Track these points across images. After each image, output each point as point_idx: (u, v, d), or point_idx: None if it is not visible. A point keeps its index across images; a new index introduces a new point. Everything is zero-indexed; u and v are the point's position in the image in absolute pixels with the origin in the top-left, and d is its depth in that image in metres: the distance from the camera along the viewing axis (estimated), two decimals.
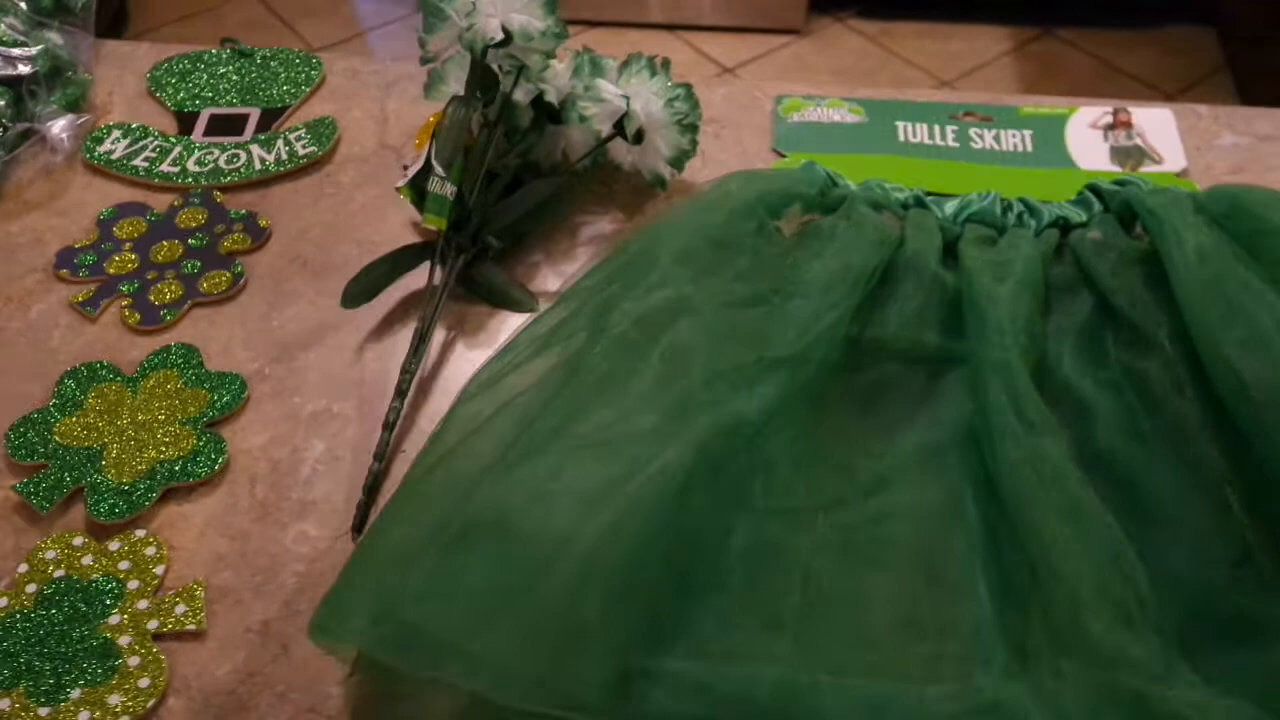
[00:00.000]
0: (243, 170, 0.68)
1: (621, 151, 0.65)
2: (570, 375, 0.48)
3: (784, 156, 0.69)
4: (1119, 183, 0.60)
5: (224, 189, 0.67)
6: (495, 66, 0.63)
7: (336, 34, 2.37)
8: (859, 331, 0.53)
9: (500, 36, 0.61)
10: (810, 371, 0.50)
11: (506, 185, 0.63)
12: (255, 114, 0.72)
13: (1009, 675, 0.41)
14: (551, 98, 0.64)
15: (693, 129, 0.64)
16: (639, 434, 0.44)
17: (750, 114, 0.72)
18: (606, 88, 0.63)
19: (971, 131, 0.70)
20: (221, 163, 0.69)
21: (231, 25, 2.36)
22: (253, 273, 0.63)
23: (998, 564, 0.45)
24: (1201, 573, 0.44)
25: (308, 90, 0.74)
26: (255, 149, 0.69)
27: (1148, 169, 0.67)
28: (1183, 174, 0.67)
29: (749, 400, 0.47)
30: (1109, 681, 0.39)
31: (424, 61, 0.63)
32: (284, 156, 0.69)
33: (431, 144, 0.60)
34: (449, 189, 0.59)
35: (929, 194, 0.62)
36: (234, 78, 0.75)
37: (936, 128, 0.70)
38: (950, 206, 0.60)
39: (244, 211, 0.66)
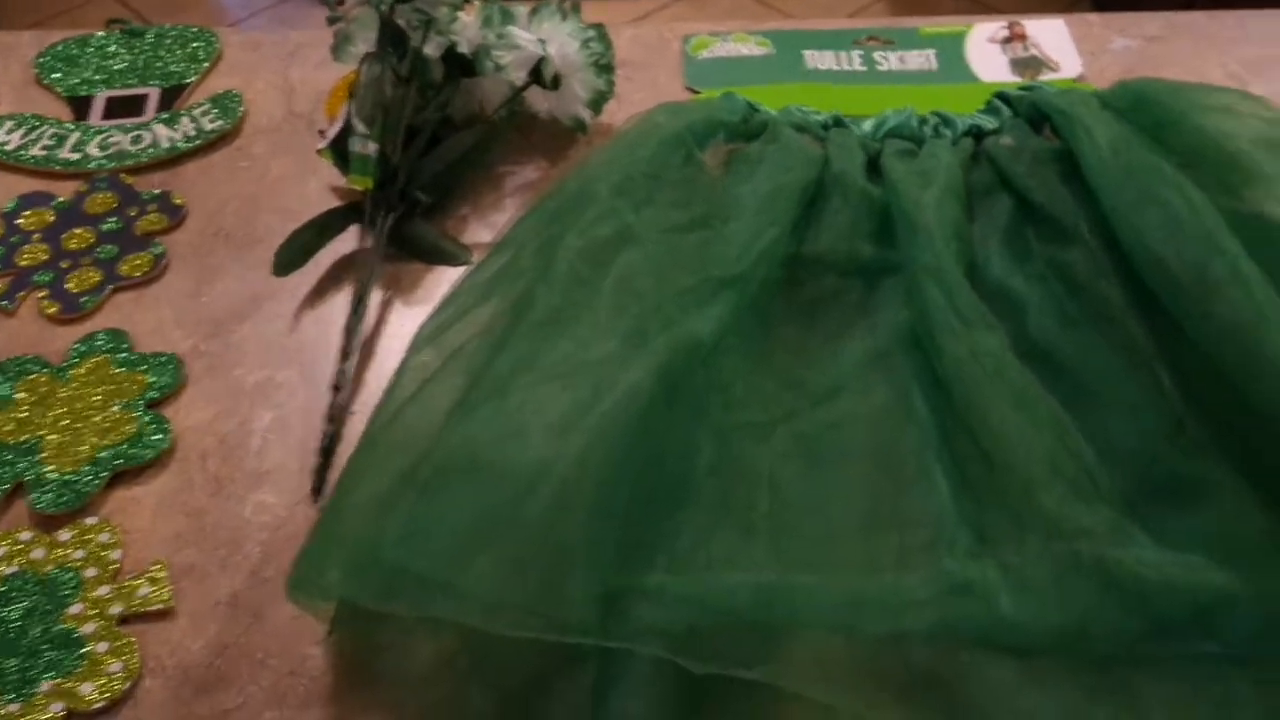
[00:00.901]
0: (150, 150, 0.66)
1: (538, 99, 0.65)
2: (522, 315, 0.48)
3: (698, 93, 0.70)
4: (1025, 89, 0.62)
5: (132, 171, 0.66)
6: (402, 22, 0.62)
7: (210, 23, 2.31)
8: (796, 249, 0.54)
9: None
10: (754, 290, 0.51)
11: (427, 140, 0.63)
12: (155, 93, 0.70)
13: (974, 557, 0.42)
14: (463, 49, 0.63)
15: (608, 69, 0.64)
16: (600, 361, 0.45)
17: (660, 54, 0.73)
18: (520, 34, 0.63)
19: (876, 55, 0.71)
20: (126, 145, 0.67)
21: (97, 18, 2.28)
22: (174, 252, 0.61)
23: (951, 455, 0.47)
24: (1140, 443, 0.46)
25: (206, 65, 0.72)
26: (160, 128, 0.67)
27: (1046, 77, 0.69)
28: (1079, 79, 0.69)
29: (701, 321, 0.48)
30: (1069, 551, 0.41)
31: (331, 21, 0.62)
32: (192, 133, 0.67)
33: (350, 104, 0.59)
34: (372, 148, 0.59)
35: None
36: (127, 58, 0.73)
37: (842, 54, 0.72)
38: (868, 124, 0.62)
39: (157, 191, 0.64)
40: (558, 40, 0.62)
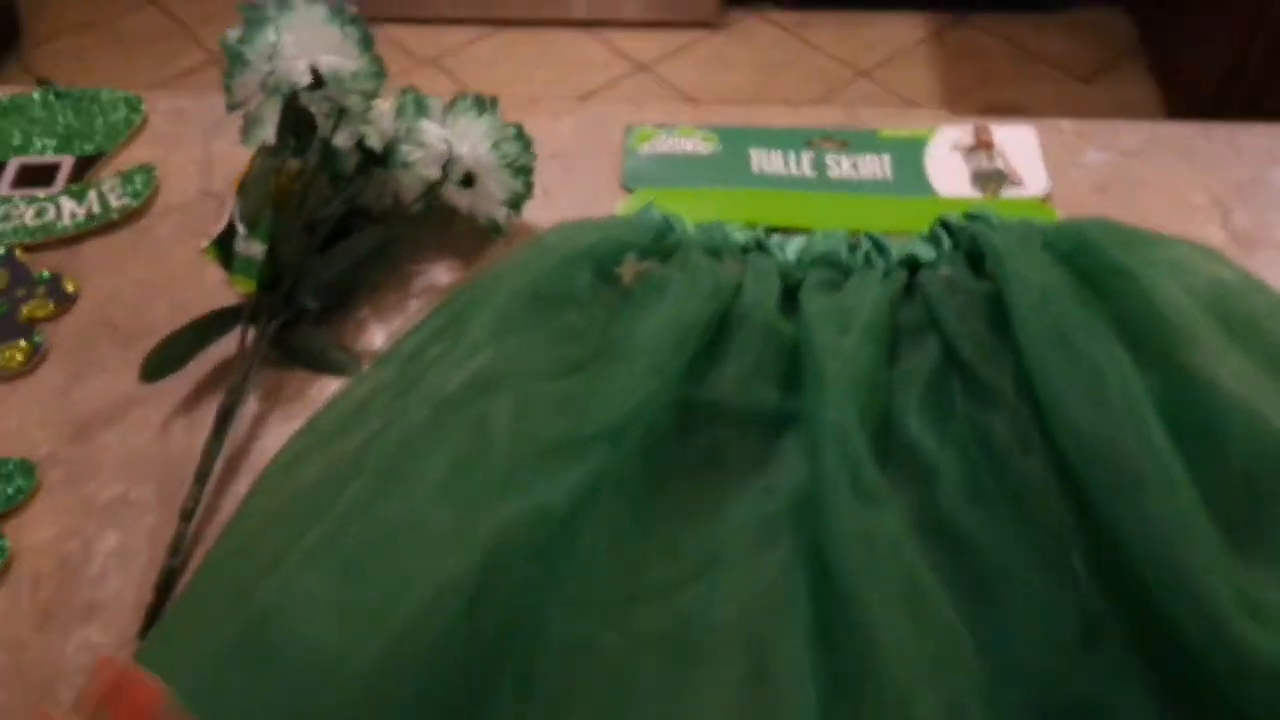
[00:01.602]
0: (50, 226, 0.63)
1: (456, 195, 0.61)
2: (362, 464, 0.44)
3: (632, 193, 0.65)
4: (970, 216, 0.58)
5: (29, 248, 0.63)
6: (313, 109, 0.59)
7: None
8: (691, 393, 0.50)
9: (308, 80, 0.57)
10: (633, 443, 0.47)
11: (331, 234, 0.59)
12: (68, 162, 0.67)
13: None
14: (374, 142, 0.60)
15: (525, 171, 0.60)
16: (427, 536, 0.41)
17: (599, 146, 0.68)
18: (430, 130, 0.59)
19: (828, 158, 0.67)
20: (28, 219, 0.64)
21: (130, 35, 2.28)
22: (55, 341, 0.58)
23: (828, 652, 0.42)
24: (1045, 657, 0.42)
25: (127, 134, 0.69)
26: (66, 202, 0.65)
27: (1010, 193, 0.64)
28: (1045, 197, 0.64)
29: (556, 487, 0.43)
30: None
31: (230, 108, 0.59)
32: (96, 210, 0.64)
33: (236, 199, 0.56)
34: (257, 248, 0.55)
35: (778, 231, 0.59)
36: (48, 123, 0.70)
37: (791, 155, 0.67)
38: (793, 247, 0.57)
39: (48, 274, 0.61)
40: (470, 138, 0.58)
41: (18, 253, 0.62)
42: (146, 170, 0.66)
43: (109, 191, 0.65)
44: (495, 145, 0.59)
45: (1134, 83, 2.10)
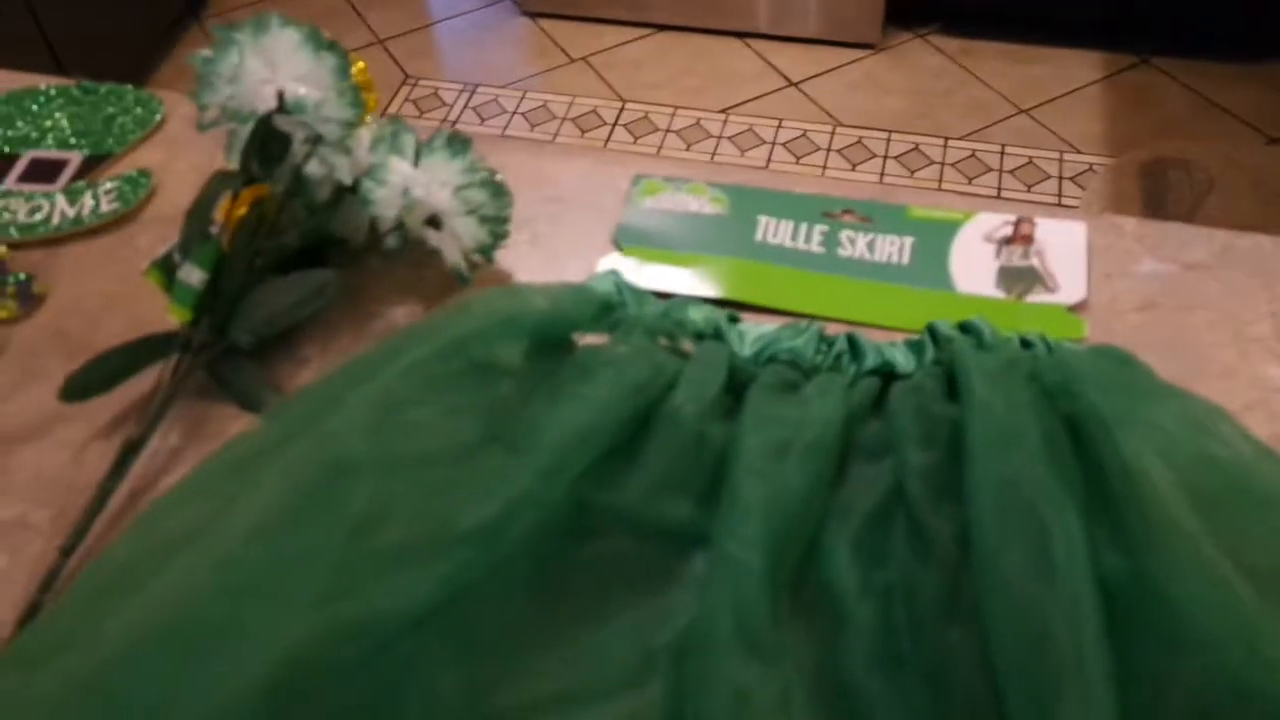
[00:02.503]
0: (41, 225, 0.63)
1: (434, 235, 0.58)
2: (199, 538, 0.41)
3: (622, 250, 0.61)
4: (962, 326, 0.51)
5: (15, 245, 0.63)
6: (288, 130, 0.56)
7: (406, 24, 2.34)
8: (592, 495, 0.45)
9: (273, 106, 0.54)
10: (509, 546, 0.42)
11: (295, 265, 0.57)
12: (76, 159, 0.67)
13: None
14: (343, 175, 0.57)
15: (494, 220, 0.56)
16: (232, 633, 0.37)
17: (600, 195, 0.64)
18: (397, 169, 0.56)
19: (843, 235, 0.60)
20: (21, 215, 0.64)
21: (305, 10, 2.35)
22: (9, 347, 0.58)
23: None
24: None
25: (138, 134, 0.69)
26: (61, 201, 0.64)
27: (1039, 297, 0.57)
28: (1078, 307, 0.56)
29: (397, 592, 0.39)
30: None
31: (201, 128, 0.57)
32: (85, 213, 0.63)
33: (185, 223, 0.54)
34: (196, 275, 0.53)
35: (761, 310, 0.54)
36: (66, 117, 0.70)
37: (804, 226, 0.61)
38: (754, 337, 0.51)
39: (23, 276, 0.60)
40: (436, 181, 0.55)
41: (1, 250, 0.62)
42: (143, 176, 0.65)
43: (104, 195, 0.64)
44: (460, 190, 0.55)
45: None
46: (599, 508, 0.45)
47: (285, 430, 0.45)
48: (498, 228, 0.56)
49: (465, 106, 2.09)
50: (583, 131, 2.01)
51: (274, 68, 0.54)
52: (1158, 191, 1.82)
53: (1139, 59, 2.10)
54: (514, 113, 2.06)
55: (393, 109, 2.09)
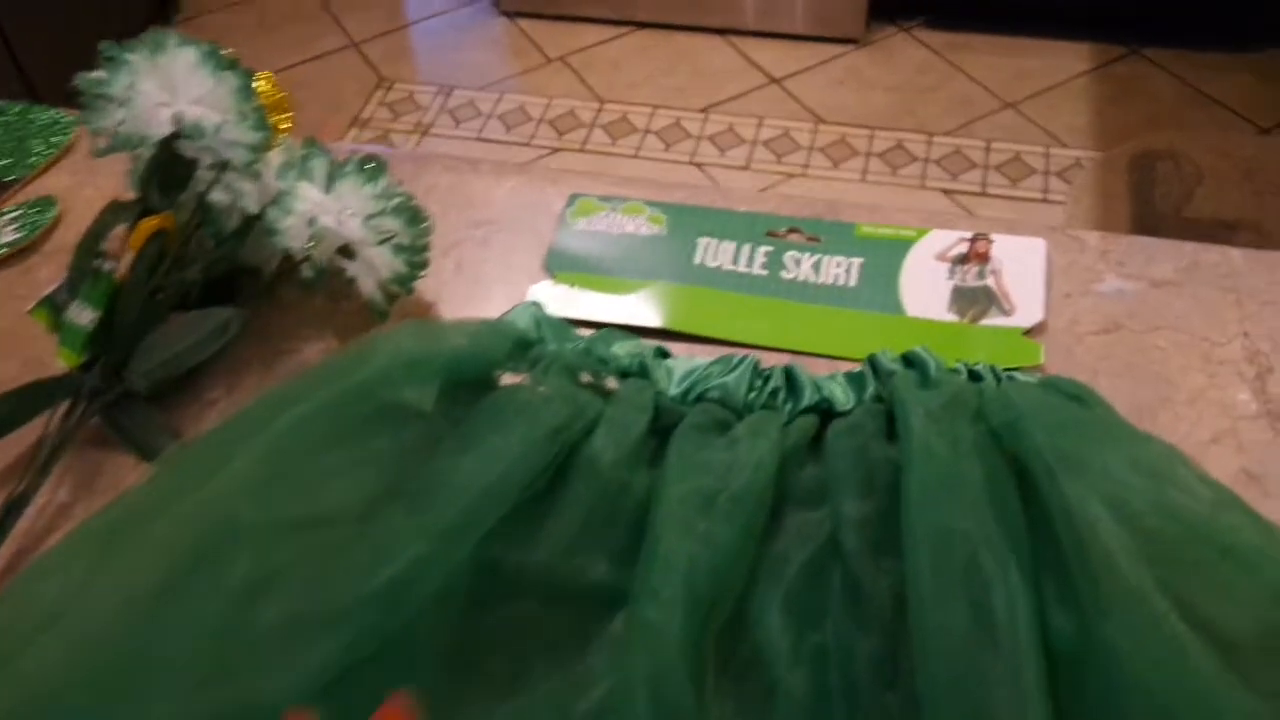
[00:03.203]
0: None
1: (348, 263, 0.54)
2: (63, 617, 0.37)
3: (554, 276, 0.57)
4: (905, 359, 0.47)
5: None
6: (193, 158, 0.53)
7: (381, 26, 2.31)
8: (502, 553, 0.41)
9: (168, 131, 0.51)
10: (409, 613, 0.39)
11: (206, 299, 0.53)
12: None
13: None
14: (250, 203, 0.53)
15: (412, 250, 0.53)
16: None
17: (534, 216, 0.60)
18: (305, 196, 0.52)
19: (787, 256, 0.57)
20: None
21: (276, 14, 2.31)
22: None
23: None
24: None
25: (46, 158, 0.65)
26: None
27: (993, 321, 0.53)
28: (1035, 330, 0.52)
29: (277, 676, 0.36)
30: None
31: (96, 154, 0.53)
32: None
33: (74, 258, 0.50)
34: (87, 315, 0.50)
35: (698, 339, 0.50)
36: None
37: (746, 247, 0.57)
38: (683, 373, 0.48)
39: None
40: (346, 208, 0.51)
41: None
42: (48, 203, 0.62)
43: (5, 224, 0.61)
44: (371, 218, 0.51)
45: None
46: (510, 568, 0.41)
47: (170, 487, 0.41)
48: (414, 257, 0.53)
49: (441, 110, 2.05)
50: (560, 133, 1.98)
51: (171, 90, 0.51)
52: (1146, 185, 1.78)
53: (1128, 50, 2.06)
54: (490, 115, 2.02)
55: (366, 113, 2.05)
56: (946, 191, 1.77)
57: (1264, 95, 1.95)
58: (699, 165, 1.90)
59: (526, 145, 1.96)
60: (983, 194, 1.77)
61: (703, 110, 2.01)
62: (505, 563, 0.41)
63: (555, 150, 1.95)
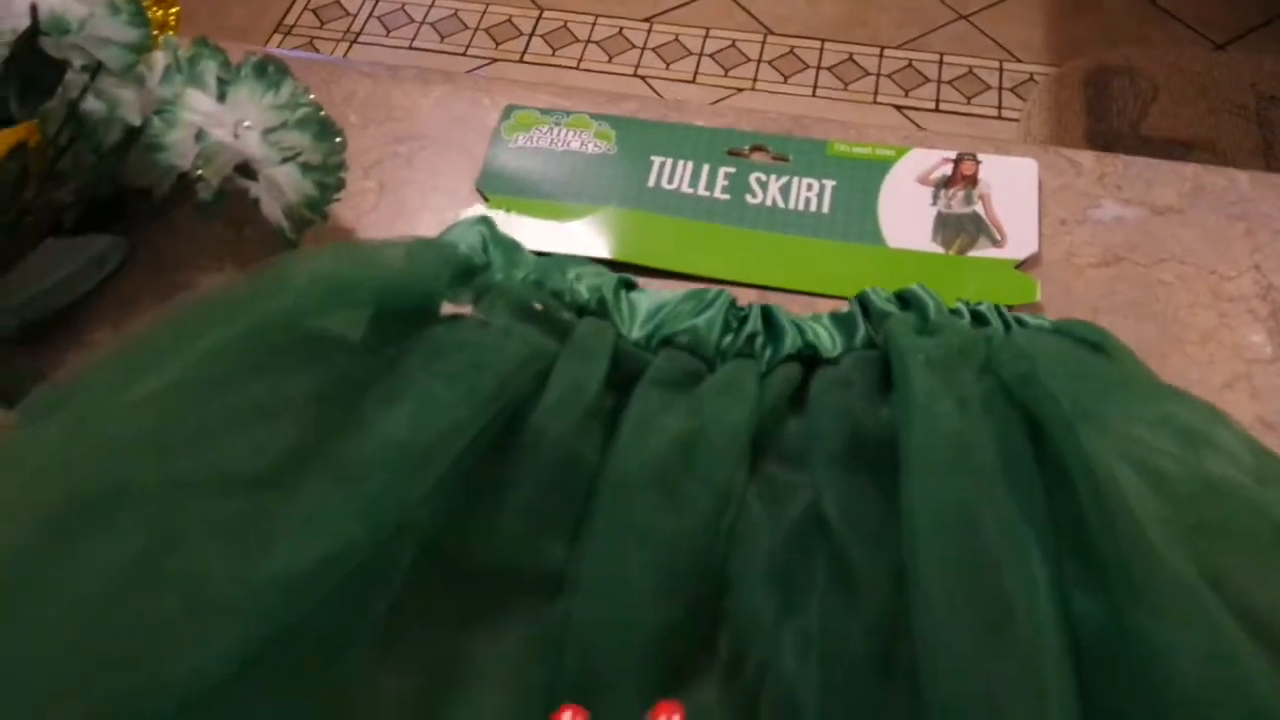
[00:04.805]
0: None
1: (250, 184, 0.47)
2: None
3: (487, 200, 0.50)
4: (900, 297, 0.41)
5: None
6: (61, 59, 0.45)
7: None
8: (436, 532, 0.35)
9: (25, 24, 0.43)
10: (332, 593, 0.33)
11: (80, 222, 0.46)
12: None
13: None
14: (129, 113, 0.45)
15: (323, 169, 0.46)
16: None
17: (465, 129, 0.53)
18: (193, 105, 0.44)
19: (752, 178, 0.50)
20: None
21: None
22: None
23: None
24: None
25: None
26: None
27: (982, 252, 0.47)
28: (1027, 263, 0.47)
29: (177, 661, 0.30)
30: None
31: None
32: None
33: None
34: None
35: (636, 270, 0.44)
36: None
37: (705, 168, 0.51)
38: (647, 311, 0.41)
39: None
40: (242, 120, 0.44)
41: None
42: None
43: None
44: (272, 132, 0.44)
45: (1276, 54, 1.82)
46: (446, 548, 0.36)
47: (33, 441, 0.34)
48: (326, 177, 0.46)
49: (369, 16, 1.93)
50: (496, 43, 1.87)
51: None
52: (1101, 101, 1.74)
53: None
54: (422, 22, 1.91)
55: (290, 20, 1.93)
56: (899, 107, 1.71)
57: (1218, 10, 1.90)
58: (644, 78, 1.81)
59: (462, 55, 1.86)
60: (936, 110, 1.71)
61: (647, 20, 1.91)
62: (440, 544, 0.35)
63: (493, 60, 1.85)
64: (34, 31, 0.43)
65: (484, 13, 1.93)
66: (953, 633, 0.31)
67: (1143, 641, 0.29)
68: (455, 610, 0.35)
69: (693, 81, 1.81)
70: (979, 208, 0.49)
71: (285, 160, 0.44)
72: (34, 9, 0.43)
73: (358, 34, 1.91)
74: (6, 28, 0.42)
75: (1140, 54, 1.80)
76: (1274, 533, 0.31)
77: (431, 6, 1.94)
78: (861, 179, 0.50)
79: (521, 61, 1.85)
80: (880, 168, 0.51)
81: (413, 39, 1.89)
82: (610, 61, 1.83)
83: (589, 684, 0.33)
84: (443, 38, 1.89)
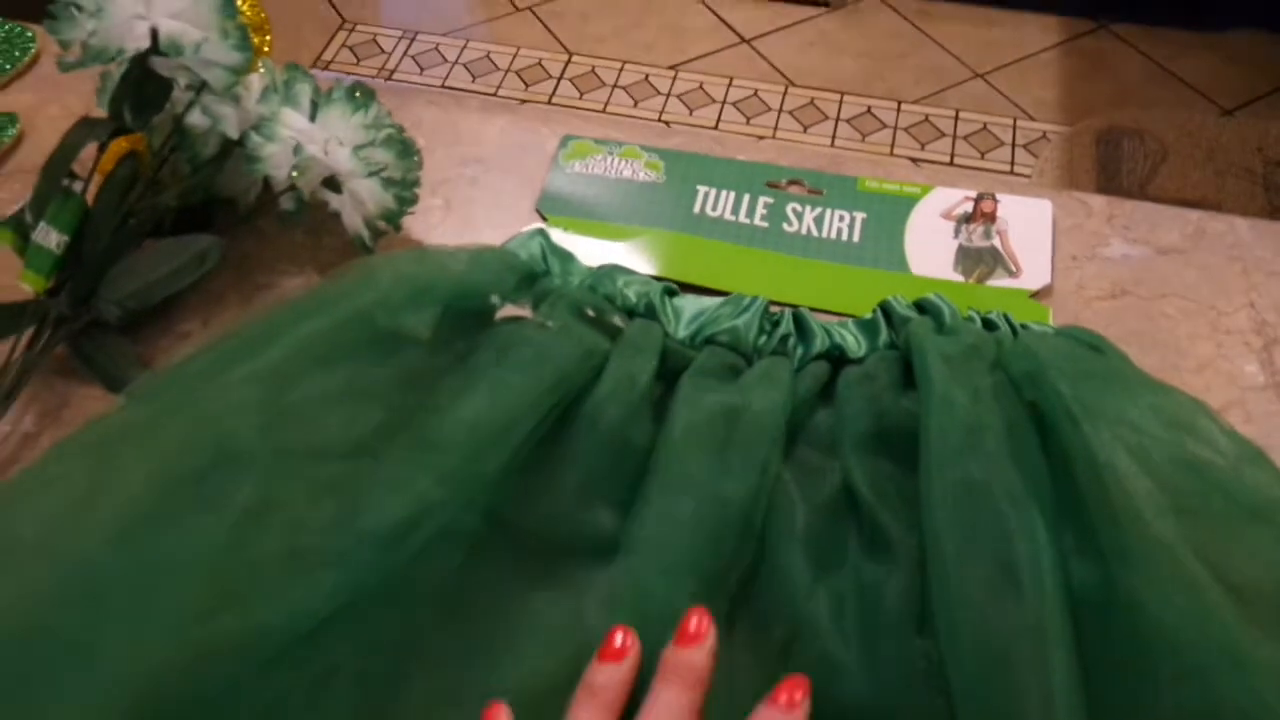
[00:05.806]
0: None
1: (331, 195, 0.51)
2: (49, 543, 0.35)
3: (546, 220, 0.55)
4: (919, 305, 0.46)
5: None
6: (169, 77, 0.50)
7: None
8: (502, 503, 0.39)
9: (146, 45, 0.48)
10: (408, 555, 0.37)
11: (179, 228, 0.50)
12: None
13: None
14: (229, 127, 0.50)
15: (402, 184, 0.50)
16: (80, 657, 0.31)
17: (526, 156, 0.58)
18: (289, 123, 0.49)
19: (789, 208, 0.55)
20: None
21: None
22: None
23: None
24: None
25: (10, 72, 0.61)
26: None
27: (999, 282, 0.52)
28: (1041, 293, 0.51)
29: (282, 602, 0.34)
30: None
31: (63, 69, 0.50)
32: None
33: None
34: (54, 238, 0.46)
35: (683, 289, 0.48)
36: None
37: (746, 198, 0.55)
38: (692, 313, 0.46)
39: None
40: (332, 138, 0.48)
41: None
42: (8, 120, 0.58)
43: None
44: (360, 149, 0.49)
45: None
46: (510, 518, 0.39)
47: (155, 411, 0.39)
48: (404, 192, 0.50)
49: (404, 54, 2.00)
50: (526, 85, 1.94)
51: (147, 1, 0.47)
52: (1112, 160, 1.79)
53: (1096, 25, 2.06)
54: (455, 63, 1.98)
55: (328, 55, 2.00)
56: (915, 160, 1.77)
57: (1227, 76, 1.96)
58: (667, 123, 1.87)
59: (492, 95, 1.92)
60: (950, 164, 1.76)
61: (672, 68, 1.98)
62: (505, 512, 0.39)
63: (523, 102, 1.91)
64: (151, 51, 0.48)
65: (515, 55, 2.00)
66: (968, 589, 0.35)
67: (1133, 603, 0.33)
68: (513, 571, 0.39)
69: (715, 128, 1.86)
70: (997, 242, 0.53)
71: (371, 174, 0.49)
72: (154, 31, 0.47)
73: (392, 71, 1.97)
74: (130, 48, 0.47)
75: (1151, 116, 1.86)
76: (1248, 507, 0.35)
77: (465, 47, 2.01)
78: (890, 212, 0.55)
79: (550, 104, 1.91)
80: (907, 203, 0.55)
81: (445, 78, 1.95)
82: (635, 106, 1.89)
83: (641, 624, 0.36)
84: (474, 78, 1.95)
